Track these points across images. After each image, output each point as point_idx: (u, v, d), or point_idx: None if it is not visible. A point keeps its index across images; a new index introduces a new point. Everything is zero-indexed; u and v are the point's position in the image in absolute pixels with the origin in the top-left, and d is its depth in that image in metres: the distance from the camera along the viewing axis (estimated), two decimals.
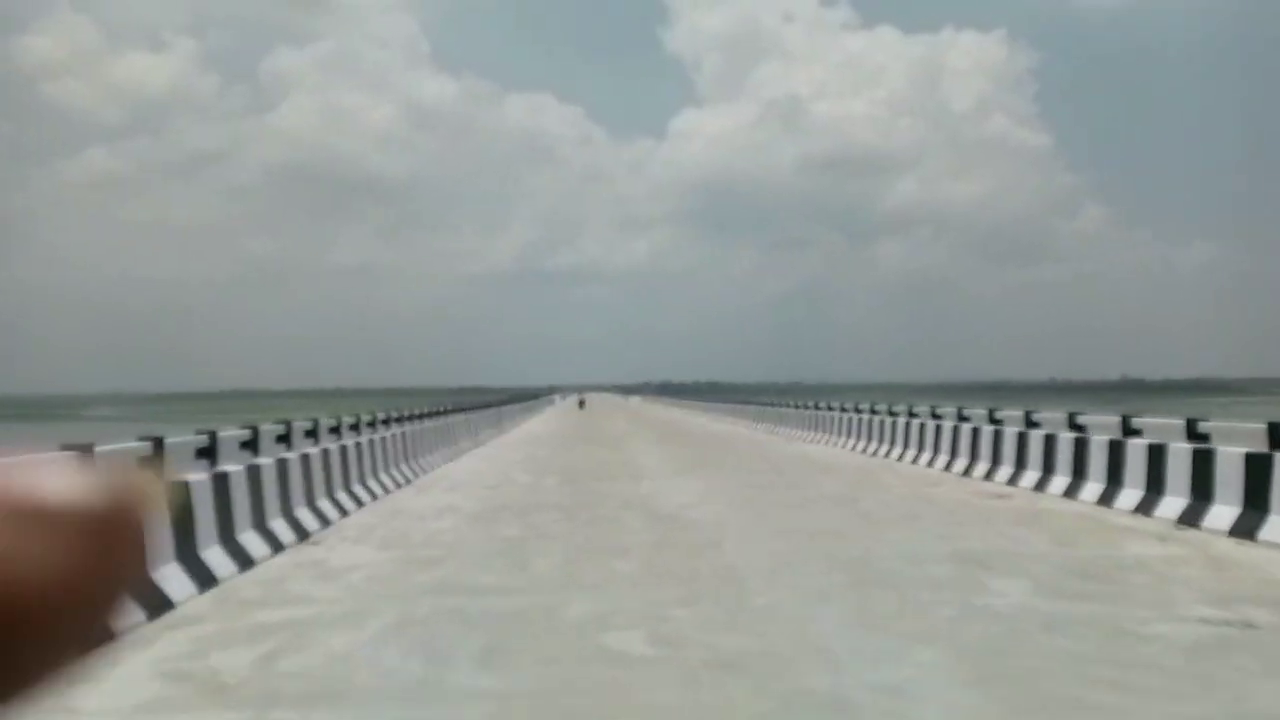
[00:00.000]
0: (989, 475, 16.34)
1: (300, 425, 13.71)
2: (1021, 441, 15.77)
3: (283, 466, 10.51)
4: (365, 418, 17.03)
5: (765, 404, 38.71)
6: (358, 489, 13.14)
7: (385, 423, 17.87)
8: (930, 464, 19.09)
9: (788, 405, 34.37)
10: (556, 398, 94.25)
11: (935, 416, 21.04)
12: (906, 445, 21.07)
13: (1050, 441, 14.82)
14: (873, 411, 25.05)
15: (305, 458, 11.36)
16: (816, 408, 30.37)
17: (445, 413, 23.20)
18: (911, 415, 22.27)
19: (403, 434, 16.95)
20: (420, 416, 20.57)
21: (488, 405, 34.14)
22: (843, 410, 27.50)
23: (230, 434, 11.20)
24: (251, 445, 11.59)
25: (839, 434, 26.36)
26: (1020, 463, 15.66)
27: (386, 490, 14.45)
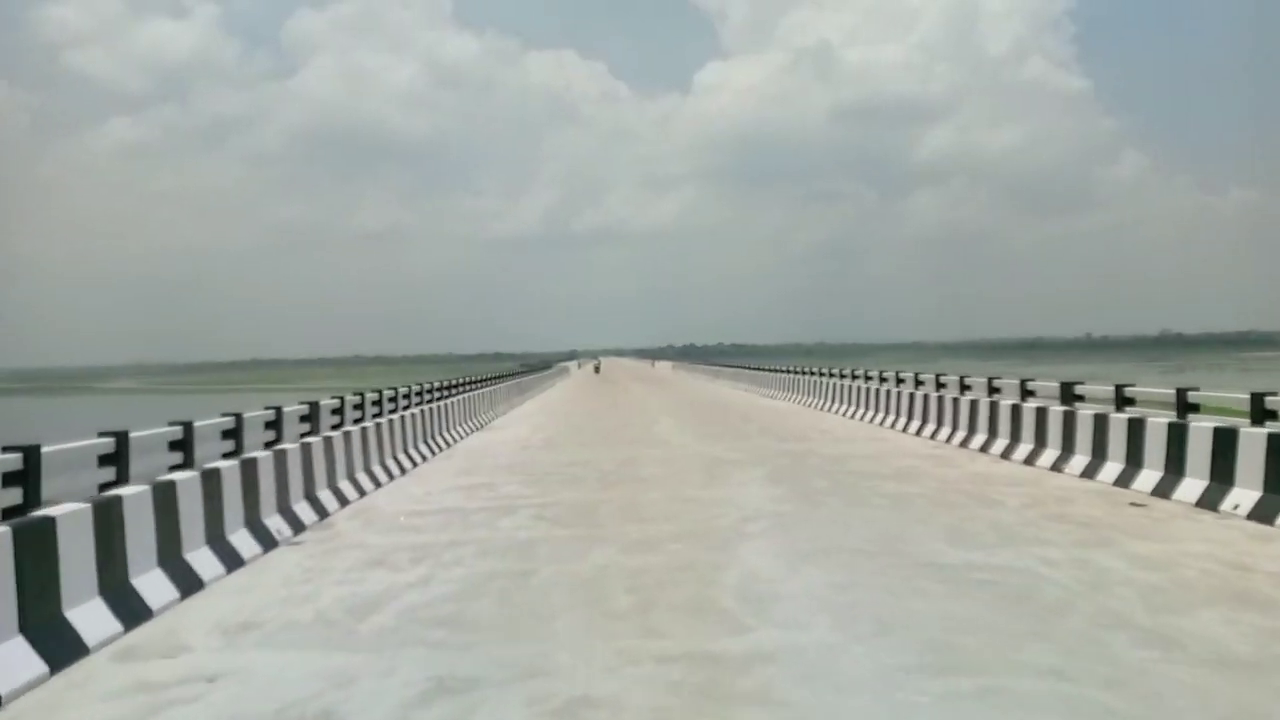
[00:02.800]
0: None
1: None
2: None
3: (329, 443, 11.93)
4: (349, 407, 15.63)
5: (773, 370, 40.75)
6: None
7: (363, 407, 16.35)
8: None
9: (784, 371, 37.30)
10: (573, 365, 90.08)
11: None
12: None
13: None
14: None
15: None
16: (811, 373, 32.50)
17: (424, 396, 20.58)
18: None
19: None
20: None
21: (481, 382, 29.08)
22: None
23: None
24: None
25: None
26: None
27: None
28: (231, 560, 8.04)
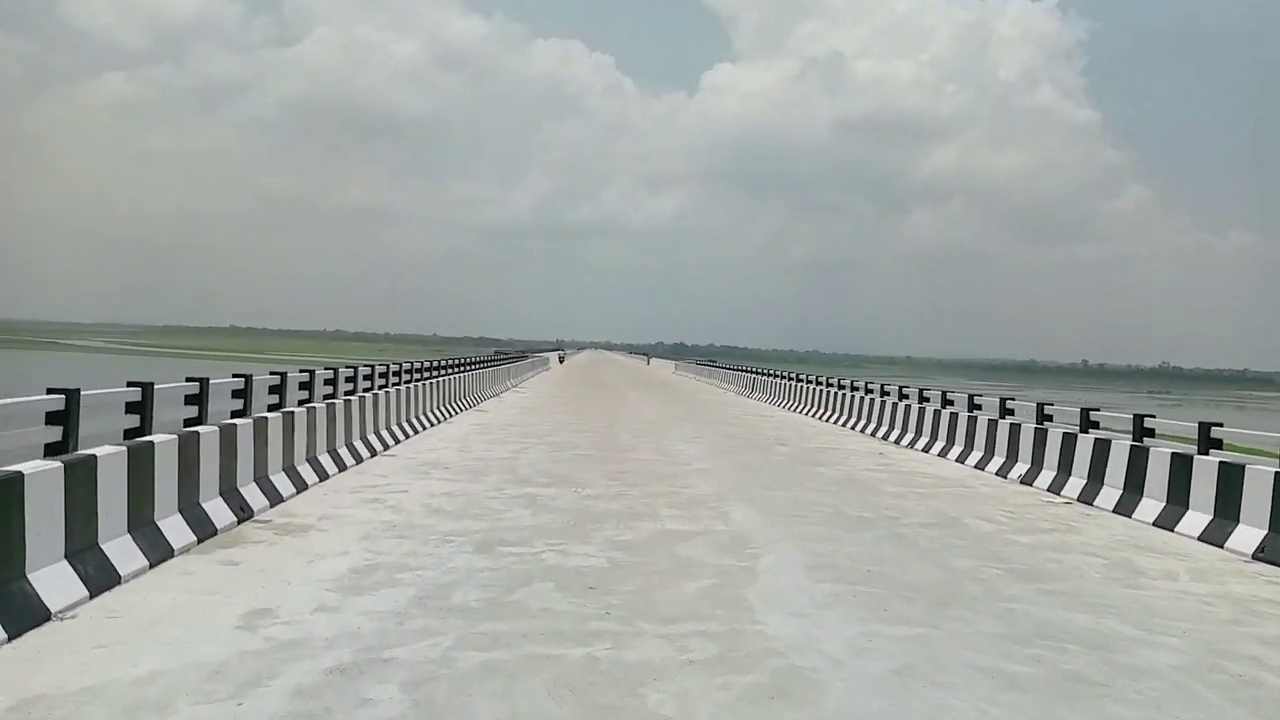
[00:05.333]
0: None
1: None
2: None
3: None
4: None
5: (750, 371, 42.42)
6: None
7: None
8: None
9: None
10: (552, 358, 75.86)
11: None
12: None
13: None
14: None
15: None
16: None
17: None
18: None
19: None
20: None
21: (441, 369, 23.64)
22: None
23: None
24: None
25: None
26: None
27: None
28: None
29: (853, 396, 24.45)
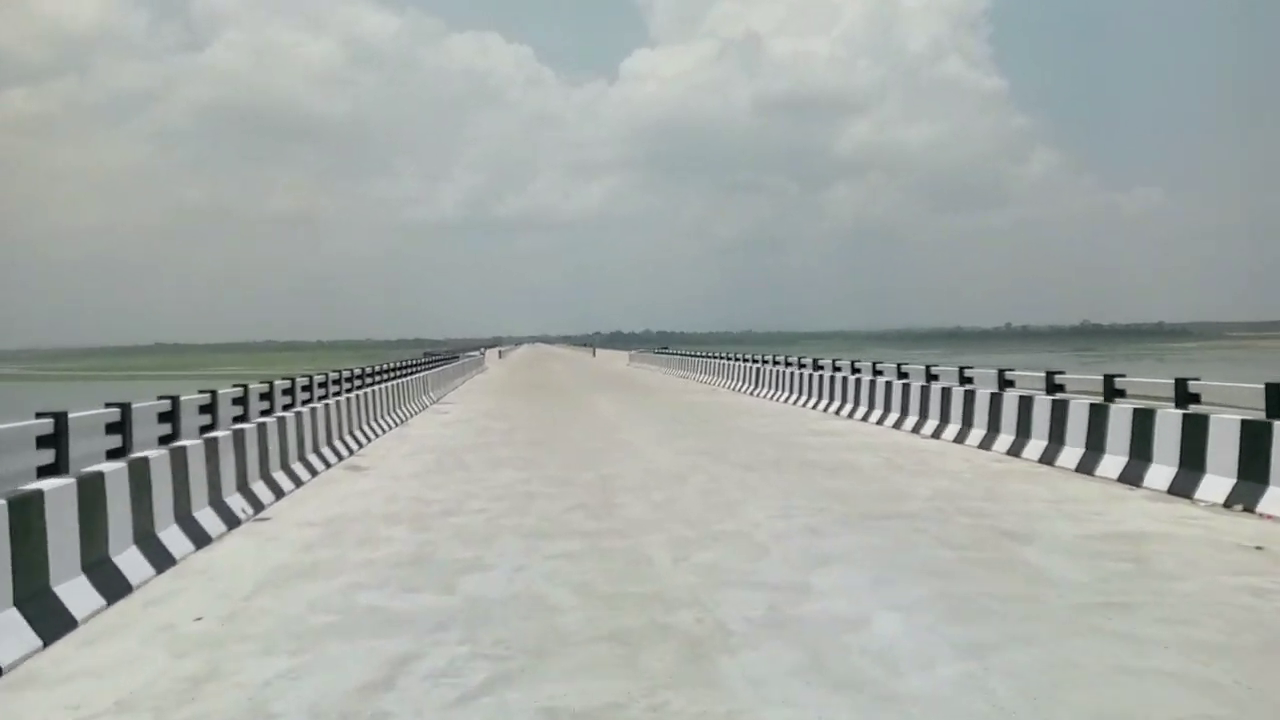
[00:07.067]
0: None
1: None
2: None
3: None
4: None
5: (717, 357, 40.11)
6: None
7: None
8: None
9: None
10: (489, 356, 67.28)
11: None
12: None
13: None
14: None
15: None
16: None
17: None
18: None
19: None
20: None
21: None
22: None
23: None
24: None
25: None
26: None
27: None
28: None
29: (831, 378, 23.34)
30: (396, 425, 20.00)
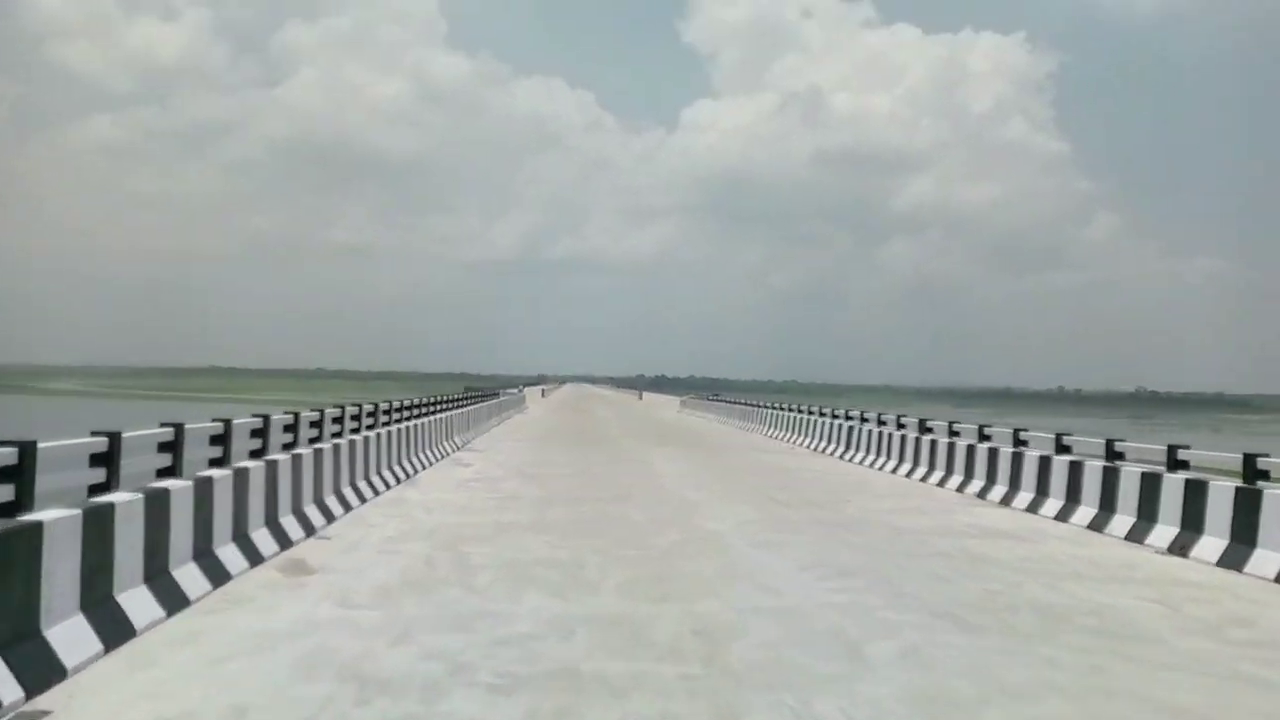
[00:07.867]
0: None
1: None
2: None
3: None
4: None
5: (788, 409, 36.02)
6: None
7: None
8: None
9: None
10: (522, 393, 59.00)
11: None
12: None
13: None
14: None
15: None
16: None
17: None
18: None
19: None
20: None
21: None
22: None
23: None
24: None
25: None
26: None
27: None
28: None
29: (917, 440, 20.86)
30: (400, 481, 16.01)
